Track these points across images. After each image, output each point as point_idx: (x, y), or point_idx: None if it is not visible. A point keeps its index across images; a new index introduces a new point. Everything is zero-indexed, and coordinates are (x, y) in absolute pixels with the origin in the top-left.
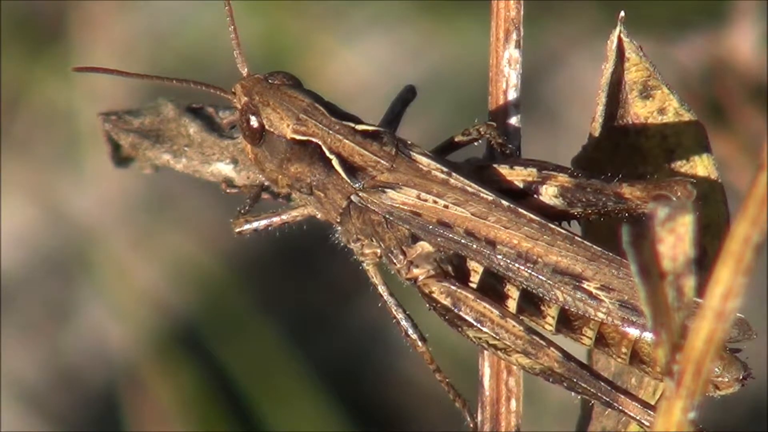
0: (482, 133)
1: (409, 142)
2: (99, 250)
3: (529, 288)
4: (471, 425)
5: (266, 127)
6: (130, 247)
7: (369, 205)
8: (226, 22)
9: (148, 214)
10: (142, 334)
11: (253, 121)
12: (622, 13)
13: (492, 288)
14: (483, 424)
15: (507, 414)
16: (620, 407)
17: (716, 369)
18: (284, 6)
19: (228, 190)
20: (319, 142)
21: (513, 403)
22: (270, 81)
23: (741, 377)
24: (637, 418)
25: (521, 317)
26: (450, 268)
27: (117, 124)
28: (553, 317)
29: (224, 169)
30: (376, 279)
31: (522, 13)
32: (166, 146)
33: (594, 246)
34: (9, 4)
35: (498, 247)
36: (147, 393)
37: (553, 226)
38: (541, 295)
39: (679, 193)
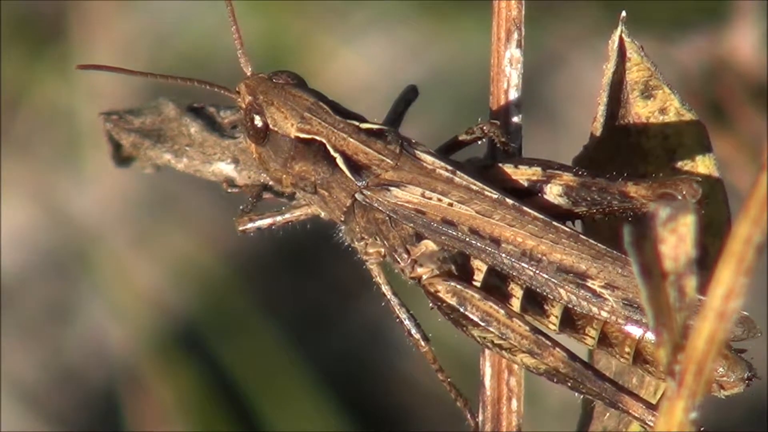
0: (486, 131)
1: (414, 141)
2: (99, 250)
3: (533, 286)
4: (472, 425)
5: (270, 126)
6: (130, 247)
7: (373, 204)
8: (227, 22)
9: (149, 214)
10: (142, 334)
11: (258, 121)
12: (624, 13)
13: (495, 287)
14: (484, 423)
15: (508, 414)
16: (624, 408)
17: (721, 369)
18: (285, 6)
19: (229, 190)
20: (324, 141)
21: (514, 402)
22: (274, 80)
23: (746, 377)
24: (642, 418)
25: (525, 317)
26: (454, 267)
27: (118, 124)
28: (556, 317)
29: (225, 168)
30: (379, 278)
31: (523, 12)
32: (167, 146)
33: (598, 244)
34: (9, 4)
35: (502, 245)
36: (147, 393)
37: (557, 224)
38: (544, 293)
39: (684, 192)
